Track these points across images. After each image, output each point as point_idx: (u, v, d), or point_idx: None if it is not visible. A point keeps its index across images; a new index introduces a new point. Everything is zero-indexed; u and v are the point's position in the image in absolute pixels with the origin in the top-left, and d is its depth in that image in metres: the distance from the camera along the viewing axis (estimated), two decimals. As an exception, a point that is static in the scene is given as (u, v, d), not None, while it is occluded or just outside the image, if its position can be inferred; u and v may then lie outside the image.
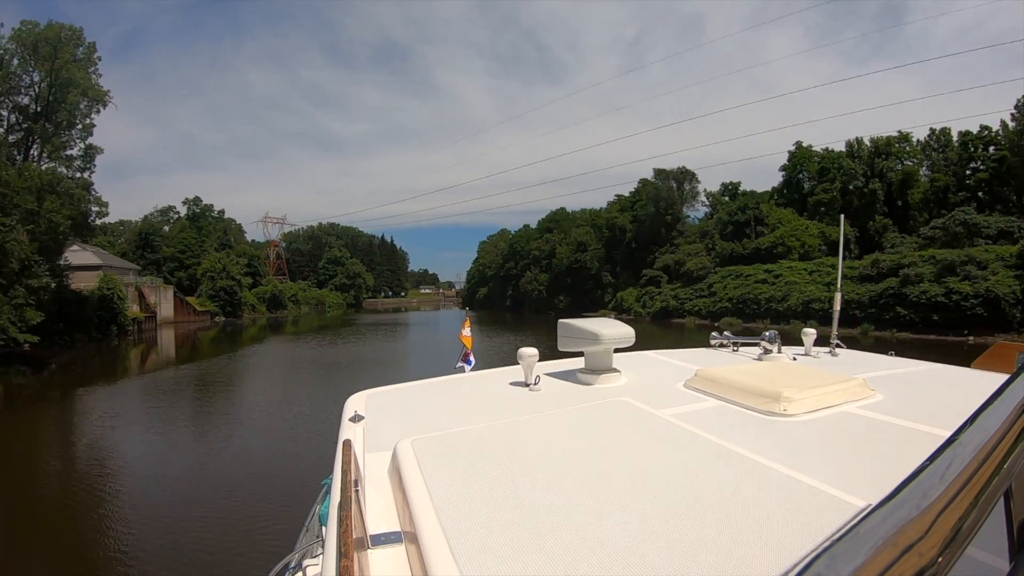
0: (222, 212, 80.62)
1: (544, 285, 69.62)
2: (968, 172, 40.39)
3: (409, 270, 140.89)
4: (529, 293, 70.95)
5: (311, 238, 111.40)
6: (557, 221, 79.06)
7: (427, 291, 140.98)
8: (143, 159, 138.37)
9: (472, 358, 4.24)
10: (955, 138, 42.43)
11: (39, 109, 31.87)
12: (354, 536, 0.98)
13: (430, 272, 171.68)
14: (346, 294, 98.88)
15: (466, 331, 3.92)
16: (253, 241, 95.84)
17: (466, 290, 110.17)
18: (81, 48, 32.83)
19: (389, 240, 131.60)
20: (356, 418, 2.27)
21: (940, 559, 0.45)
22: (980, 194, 38.98)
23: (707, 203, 56.20)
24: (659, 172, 58.26)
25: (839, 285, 4.15)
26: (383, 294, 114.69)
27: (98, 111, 32.80)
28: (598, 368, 2.84)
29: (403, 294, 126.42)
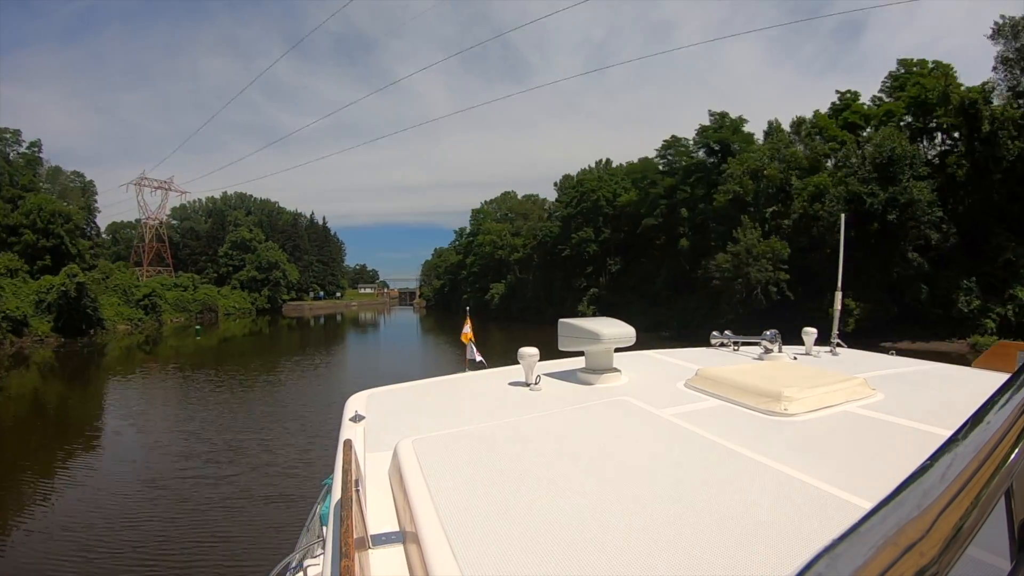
0: (61, 168, 52.53)
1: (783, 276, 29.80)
2: None
3: (345, 265, 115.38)
4: (759, 293, 29.48)
5: (212, 214, 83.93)
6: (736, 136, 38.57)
7: (367, 291, 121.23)
8: (80, 150, 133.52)
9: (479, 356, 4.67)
10: None
11: None
12: (355, 536, 1.04)
13: (369, 268, 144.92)
14: (256, 294, 73.88)
15: (466, 329, 4.50)
16: (137, 221, 73.82)
17: (436, 289, 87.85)
18: None
19: (321, 222, 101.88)
20: (357, 418, 2.44)
21: (941, 559, 0.48)
22: None
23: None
24: (1008, 26, 26.70)
25: (839, 285, 4.50)
26: (311, 294, 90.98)
27: None
28: (599, 368, 3.06)
29: (339, 295, 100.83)
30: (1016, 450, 0.67)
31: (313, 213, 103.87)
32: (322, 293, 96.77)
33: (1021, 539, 0.76)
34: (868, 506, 0.50)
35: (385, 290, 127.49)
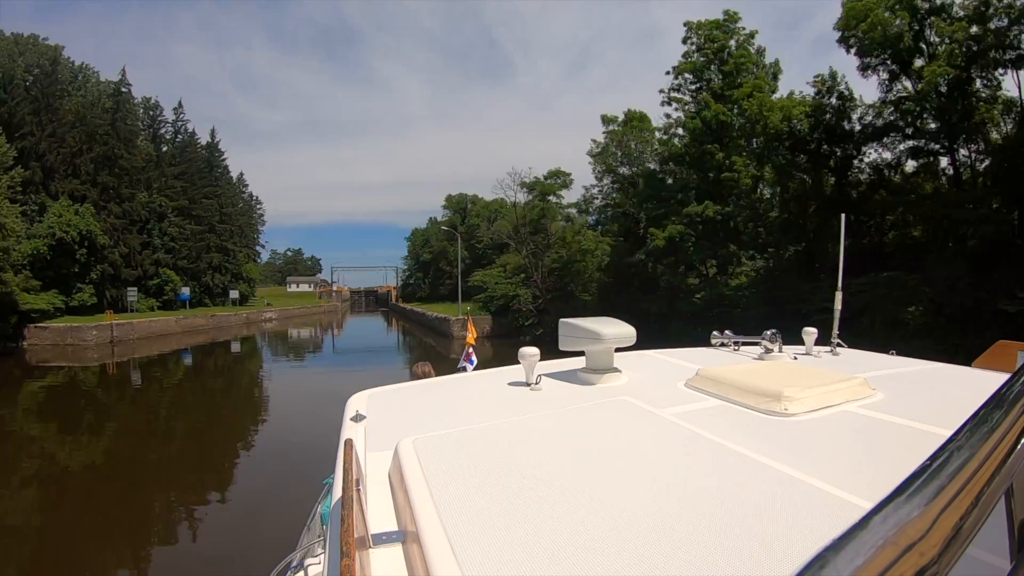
0: None
1: None
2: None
3: (260, 239, 70.26)
4: None
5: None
6: None
7: (302, 288, 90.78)
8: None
9: (474, 358, 5.10)
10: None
11: None
12: (355, 535, 1.12)
13: (307, 256, 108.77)
14: None
15: (471, 332, 4.86)
16: None
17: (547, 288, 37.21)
18: None
19: (208, 140, 56.86)
20: (358, 417, 2.63)
21: (941, 559, 0.52)
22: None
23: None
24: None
25: (839, 285, 4.95)
26: (135, 292, 42.02)
27: None
28: (599, 367, 3.30)
29: (236, 296, 55.71)
30: (1016, 450, 0.73)
31: (183, 113, 52.97)
32: (185, 292, 47.78)
33: (1021, 539, 0.85)
34: (868, 506, 0.54)
35: (332, 288, 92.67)
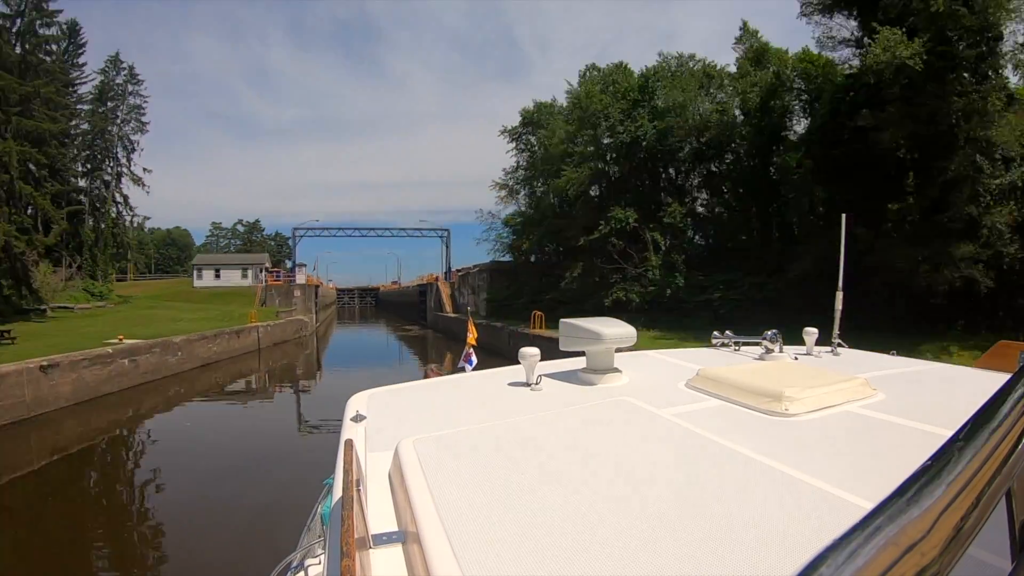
0: None
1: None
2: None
3: (144, 182, 41.07)
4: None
5: None
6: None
7: (227, 280, 53.80)
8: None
9: (474, 358, 5.25)
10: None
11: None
12: (356, 536, 1.13)
13: (268, 232, 73.94)
14: None
15: (471, 333, 4.95)
16: None
17: None
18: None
19: None
20: (358, 418, 2.65)
21: (942, 559, 0.54)
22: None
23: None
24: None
25: (840, 284, 5.04)
26: None
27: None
28: (600, 368, 3.33)
29: None
30: (1017, 451, 0.74)
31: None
32: None
33: (1022, 540, 0.86)
34: (868, 506, 0.55)
35: (292, 278, 51.62)
